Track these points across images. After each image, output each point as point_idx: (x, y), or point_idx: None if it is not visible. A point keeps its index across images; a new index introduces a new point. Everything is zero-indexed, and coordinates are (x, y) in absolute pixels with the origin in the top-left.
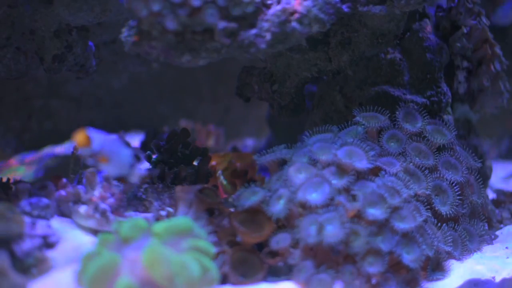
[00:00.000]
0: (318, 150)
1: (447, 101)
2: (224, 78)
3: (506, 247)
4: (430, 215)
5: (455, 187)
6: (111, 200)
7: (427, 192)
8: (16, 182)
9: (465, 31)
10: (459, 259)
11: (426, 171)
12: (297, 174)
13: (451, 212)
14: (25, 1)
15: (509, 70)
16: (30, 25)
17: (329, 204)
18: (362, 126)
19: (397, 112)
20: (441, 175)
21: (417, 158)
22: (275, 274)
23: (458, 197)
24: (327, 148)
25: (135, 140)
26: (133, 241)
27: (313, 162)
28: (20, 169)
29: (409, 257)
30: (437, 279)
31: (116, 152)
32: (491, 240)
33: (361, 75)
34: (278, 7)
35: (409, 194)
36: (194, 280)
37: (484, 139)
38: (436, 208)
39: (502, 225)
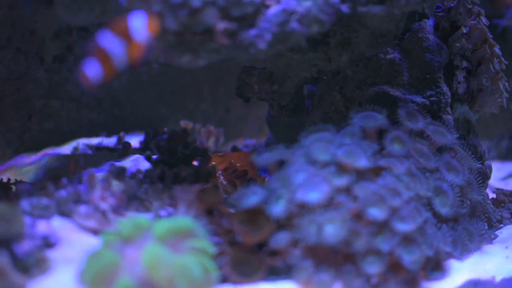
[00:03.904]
0: (317, 150)
1: (447, 101)
2: (224, 78)
3: (506, 247)
4: (430, 215)
5: (455, 189)
6: (111, 200)
7: (428, 194)
8: (17, 182)
9: (464, 31)
10: (459, 259)
11: (427, 174)
12: (297, 174)
13: (450, 214)
14: (25, 2)
15: (509, 70)
16: (30, 25)
17: (329, 203)
18: (358, 126)
19: (398, 110)
20: (442, 176)
21: (421, 159)
22: (275, 273)
23: (458, 198)
24: (327, 148)
25: (135, 140)
26: (134, 241)
27: (312, 162)
28: (21, 169)
29: (409, 258)
30: (437, 279)
31: None
32: (491, 239)
33: (361, 75)
34: (278, 8)
35: (409, 196)
36: (195, 281)
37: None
38: (436, 209)
39: (502, 225)
